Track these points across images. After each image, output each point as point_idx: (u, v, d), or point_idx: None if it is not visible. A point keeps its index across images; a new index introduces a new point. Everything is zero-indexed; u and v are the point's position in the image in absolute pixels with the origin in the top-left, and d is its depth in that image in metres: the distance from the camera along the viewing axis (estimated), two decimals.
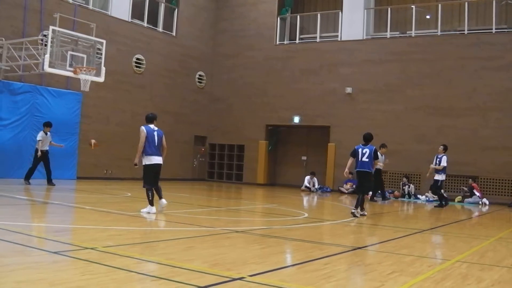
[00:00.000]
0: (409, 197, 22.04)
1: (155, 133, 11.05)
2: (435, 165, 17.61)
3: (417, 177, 22.97)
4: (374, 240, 8.91)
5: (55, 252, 6.21)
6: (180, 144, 26.60)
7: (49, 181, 17.52)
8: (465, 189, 21.28)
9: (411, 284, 5.58)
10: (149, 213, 10.71)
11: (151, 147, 10.92)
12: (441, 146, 17.94)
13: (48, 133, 17.70)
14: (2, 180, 17.22)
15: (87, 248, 6.51)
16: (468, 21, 23.25)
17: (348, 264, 6.50)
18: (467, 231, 11.95)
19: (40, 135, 17.43)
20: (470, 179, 21.32)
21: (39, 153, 17.28)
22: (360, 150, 13.03)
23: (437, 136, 22.43)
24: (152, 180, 10.98)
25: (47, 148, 17.64)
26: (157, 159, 11.02)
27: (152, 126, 11.16)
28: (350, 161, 13.29)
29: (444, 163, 17.40)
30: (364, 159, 12.94)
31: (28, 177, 17.26)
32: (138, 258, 6.03)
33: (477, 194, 20.78)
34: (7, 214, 10.01)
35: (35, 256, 6.01)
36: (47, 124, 17.64)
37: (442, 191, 18.48)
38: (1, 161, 18.13)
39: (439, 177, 17.63)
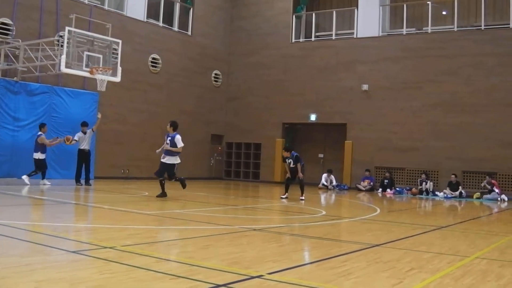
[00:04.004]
0: (427, 193, 21.90)
1: None
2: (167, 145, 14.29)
3: (435, 174, 22.82)
4: (392, 237, 8.84)
5: (74, 251, 6.25)
6: (196, 143, 26.64)
7: (86, 181, 17.87)
8: (488, 186, 20.95)
9: (430, 281, 5.54)
10: None
11: None
12: (169, 123, 14.67)
13: (87, 131, 18.06)
14: (21, 180, 17.34)
15: (106, 247, 6.53)
16: (484, 17, 23.04)
17: (366, 262, 6.46)
18: (486, 227, 11.84)
19: (76, 135, 17.84)
20: (487, 176, 21.04)
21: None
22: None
23: (456, 132, 22.32)
24: None
25: (87, 148, 18.03)
26: None
27: None
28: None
29: (181, 143, 14.16)
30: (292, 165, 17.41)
31: (77, 179, 17.88)
32: (156, 257, 6.04)
33: (496, 190, 20.58)
34: (25, 214, 10.09)
35: (55, 256, 6.03)
36: (83, 124, 18.07)
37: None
38: (19, 161, 18.25)
39: (175, 160, 14.37)
